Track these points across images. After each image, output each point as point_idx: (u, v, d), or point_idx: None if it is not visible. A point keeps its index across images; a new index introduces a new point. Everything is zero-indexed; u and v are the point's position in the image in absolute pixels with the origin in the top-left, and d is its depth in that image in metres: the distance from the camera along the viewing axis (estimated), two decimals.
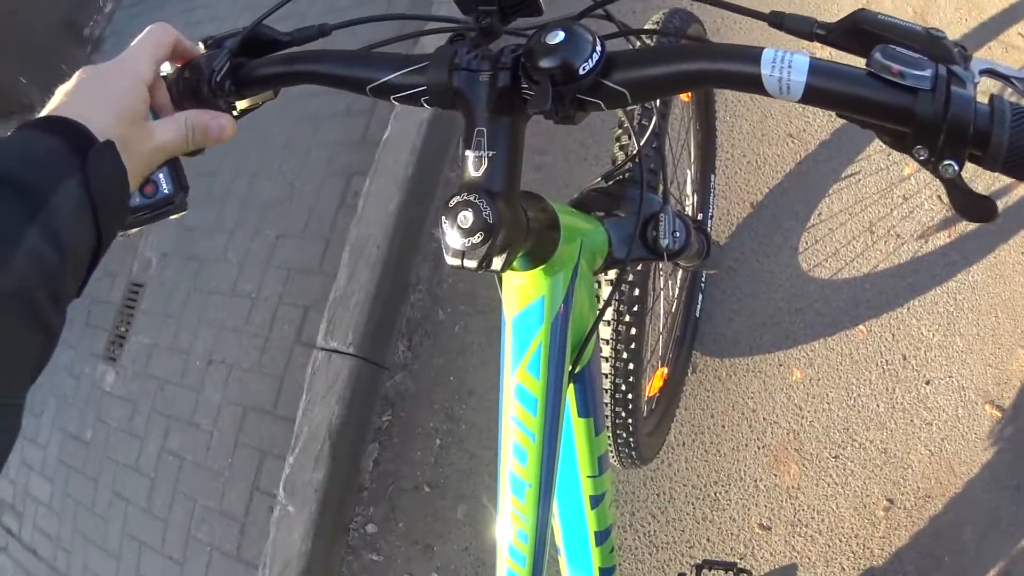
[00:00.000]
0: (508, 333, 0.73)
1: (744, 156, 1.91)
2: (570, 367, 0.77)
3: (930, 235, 1.69)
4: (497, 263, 0.59)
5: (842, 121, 1.84)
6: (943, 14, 1.90)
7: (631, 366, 1.20)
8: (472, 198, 0.55)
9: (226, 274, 2.22)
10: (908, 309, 1.66)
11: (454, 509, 1.81)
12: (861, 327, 1.68)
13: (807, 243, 1.78)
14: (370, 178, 2.09)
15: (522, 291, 0.71)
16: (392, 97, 0.62)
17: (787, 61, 0.47)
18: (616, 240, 0.86)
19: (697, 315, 1.75)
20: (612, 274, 1.08)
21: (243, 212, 2.30)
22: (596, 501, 0.92)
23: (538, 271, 0.69)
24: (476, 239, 0.55)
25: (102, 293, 2.51)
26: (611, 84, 0.55)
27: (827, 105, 0.48)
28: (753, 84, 0.49)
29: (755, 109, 1.96)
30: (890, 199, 1.76)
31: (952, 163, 0.45)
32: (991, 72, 0.47)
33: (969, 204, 0.48)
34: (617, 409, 1.25)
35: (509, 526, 0.75)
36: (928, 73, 0.44)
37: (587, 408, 0.86)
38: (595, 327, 0.79)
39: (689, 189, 1.68)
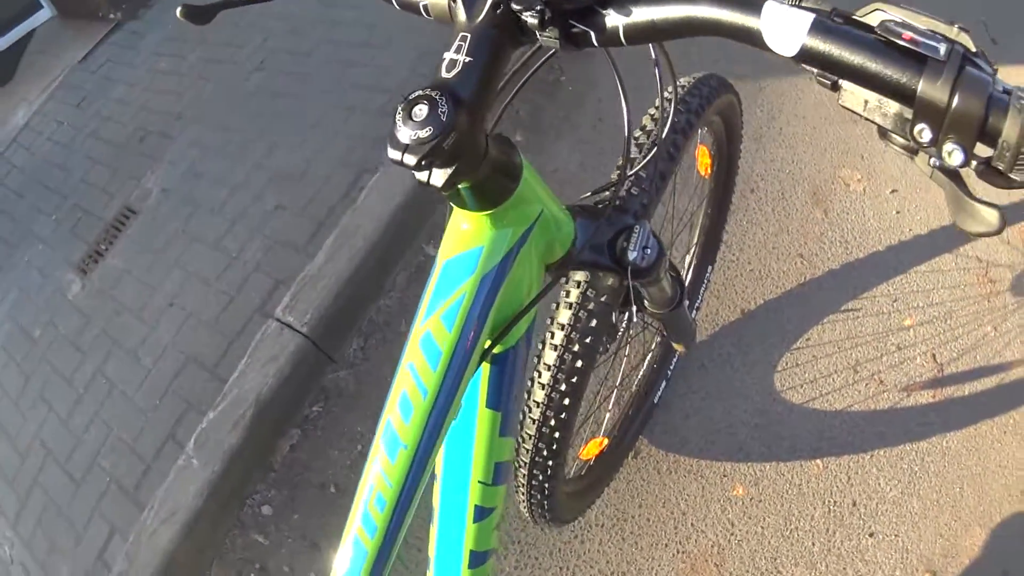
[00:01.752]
0: (435, 276, 0.68)
1: (749, 263, 1.87)
2: (488, 343, 0.71)
3: (915, 390, 1.62)
4: (438, 176, 0.56)
5: (855, 256, 1.82)
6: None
7: (567, 401, 1.10)
8: (434, 94, 0.53)
9: (216, 227, 2.20)
10: (871, 457, 1.57)
11: None
12: (818, 461, 1.59)
13: (787, 364, 1.71)
14: (378, 174, 2.08)
15: (463, 236, 0.67)
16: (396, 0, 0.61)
17: (789, 16, 0.44)
18: (581, 241, 0.80)
19: (655, 401, 1.67)
20: (581, 278, 1.03)
21: (253, 174, 2.29)
22: (481, 513, 0.83)
23: (484, 216, 0.65)
24: (424, 133, 0.52)
25: (96, 208, 2.49)
26: (604, 13, 0.52)
27: (827, 67, 0.44)
28: (751, 36, 0.46)
29: (773, 221, 1.93)
30: (883, 344, 1.70)
31: (957, 148, 0.40)
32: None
33: (970, 209, 0.44)
34: (540, 445, 1.16)
35: (370, 487, 0.65)
36: (943, 46, 0.40)
37: (498, 400, 0.78)
38: (526, 311, 0.73)
39: (683, 271, 1.64)
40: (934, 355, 1.66)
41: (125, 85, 2.94)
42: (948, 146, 0.40)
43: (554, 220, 0.74)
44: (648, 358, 1.65)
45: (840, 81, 0.46)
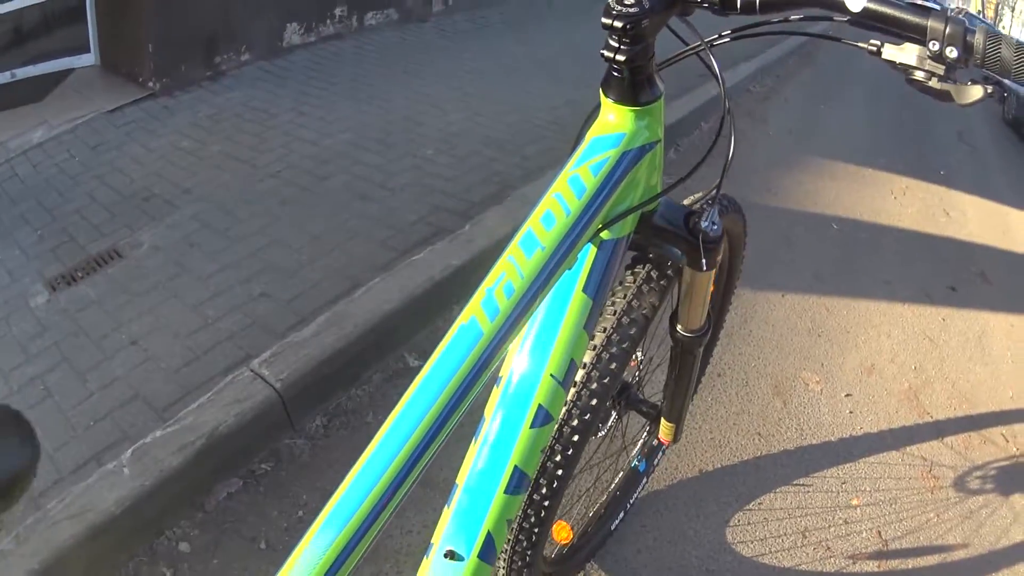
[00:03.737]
0: (582, 147, 0.83)
1: (710, 432, 1.98)
2: (601, 224, 0.82)
3: (860, 559, 1.69)
4: (623, 53, 0.75)
5: (808, 442, 1.96)
6: (936, 397, 2.10)
7: (606, 380, 1.10)
8: None
9: (198, 293, 2.20)
10: None
11: None
12: None
13: (739, 521, 1.77)
14: (381, 276, 2.18)
15: (609, 124, 0.84)
16: None
17: None
18: (661, 212, 0.95)
19: (612, 529, 1.67)
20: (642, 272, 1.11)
21: (246, 260, 2.35)
22: (541, 418, 0.85)
23: (630, 111, 0.82)
24: (632, 9, 0.73)
25: (83, 239, 2.46)
26: None
27: (876, 19, 0.69)
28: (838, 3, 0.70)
29: (736, 402, 2.08)
30: (831, 517, 1.79)
31: (952, 48, 0.66)
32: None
33: (967, 92, 0.69)
34: (555, 451, 1.12)
35: (500, 274, 0.74)
36: (941, 6, 0.68)
37: (594, 288, 0.86)
38: (635, 210, 0.86)
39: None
40: (879, 532, 1.76)
41: (143, 148, 3.05)
42: (949, 49, 0.65)
43: (660, 160, 0.90)
44: (622, 474, 1.69)
45: (882, 47, 0.72)
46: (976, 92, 0.69)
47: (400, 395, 0.69)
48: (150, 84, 3.55)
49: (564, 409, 1.08)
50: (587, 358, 1.09)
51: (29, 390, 1.91)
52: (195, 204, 2.67)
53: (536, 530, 1.18)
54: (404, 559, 1.61)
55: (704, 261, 0.98)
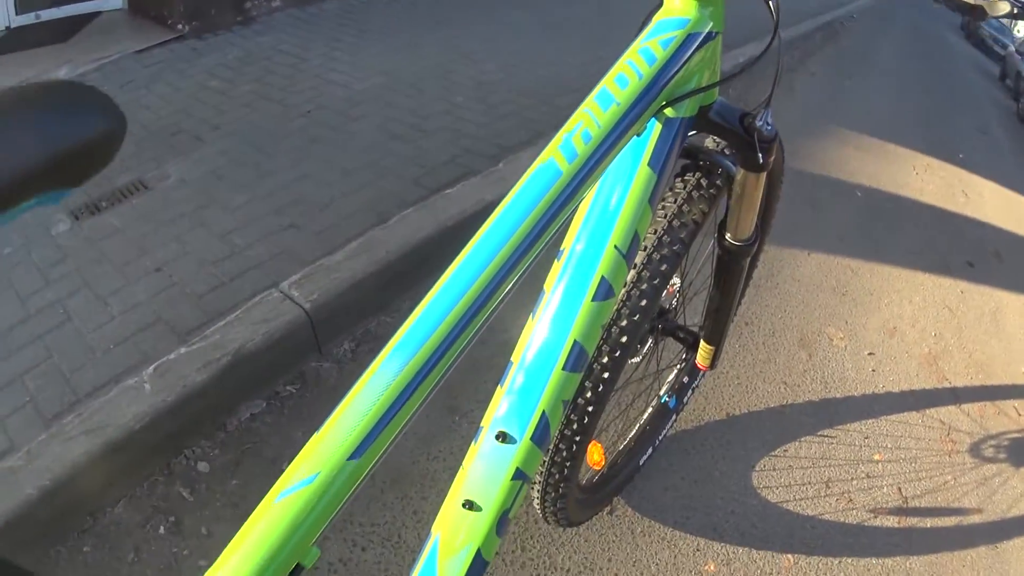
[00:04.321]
0: (650, 25, 0.84)
1: (737, 378, 1.98)
2: (665, 101, 0.82)
3: (881, 514, 1.69)
4: None
5: (832, 395, 1.95)
6: (954, 365, 2.10)
7: (656, 281, 1.10)
8: None
9: (226, 222, 2.18)
10: (839, 563, 1.59)
11: None
12: (789, 556, 1.59)
13: (765, 466, 1.76)
14: (414, 207, 2.17)
15: (675, 7, 0.84)
16: None
17: None
18: (717, 109, 0.94)
19: (640, 464, 1.67)
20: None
21: (276, 191, 2.33)
22: (604, 291, 0.84)
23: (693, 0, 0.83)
24: None
25: (112, 172, 2.44)
26: None
27: None
28: None
29: (763, 351, 2.07)
30: (854, 470, 1.78)
31: None
32: None
33: (997, 6, 0.76)
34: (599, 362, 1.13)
35: (578, 123, 0.75)
36: None
37: (657, 162, 0.87)
38: (696, 92, 0.87)
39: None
40: (900, 488, 1.75)
41: (171, 87, 3.01)
42: None
43: (719, 55, 0.90)
44: (652, 409, 1.68)
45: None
46: (1005, 6, 0.75)
47: None
48: (179, 27, 3.50)
49: (623, 290, 1.08)
50: (639, 259, 1.09)
51: (47, 314, 1.88)
52: (223, 140, 2.64)
53: (577, 439, 1.18)
54: (430, 484, 1.61)
55: (760, 158, 0.98)
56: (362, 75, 3.20)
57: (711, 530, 1.62)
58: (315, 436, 0.63)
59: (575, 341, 0.85)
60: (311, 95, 2.98)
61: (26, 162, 0.38)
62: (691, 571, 1.54)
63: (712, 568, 1.55)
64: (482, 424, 0.87)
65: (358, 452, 0.61)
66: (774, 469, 1.76)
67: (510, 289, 0.69)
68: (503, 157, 2.55)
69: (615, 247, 0.85)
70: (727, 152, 1.11)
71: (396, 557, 1.49)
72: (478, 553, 0.82)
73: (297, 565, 0.60)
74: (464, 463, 0.86)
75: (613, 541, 1.57)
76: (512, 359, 0.88)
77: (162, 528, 1.50)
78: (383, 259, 1.97)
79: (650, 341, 1.43)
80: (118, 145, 0.44)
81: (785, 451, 1.80)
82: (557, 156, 0.72)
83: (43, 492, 1.40)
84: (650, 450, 1.67)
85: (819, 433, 1.86)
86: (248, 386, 1.74)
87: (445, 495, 0.85)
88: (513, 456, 0.84)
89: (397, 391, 0.62)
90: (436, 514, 0.84)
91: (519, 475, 0.83)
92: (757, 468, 1.76)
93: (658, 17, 0.84)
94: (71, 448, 1.47)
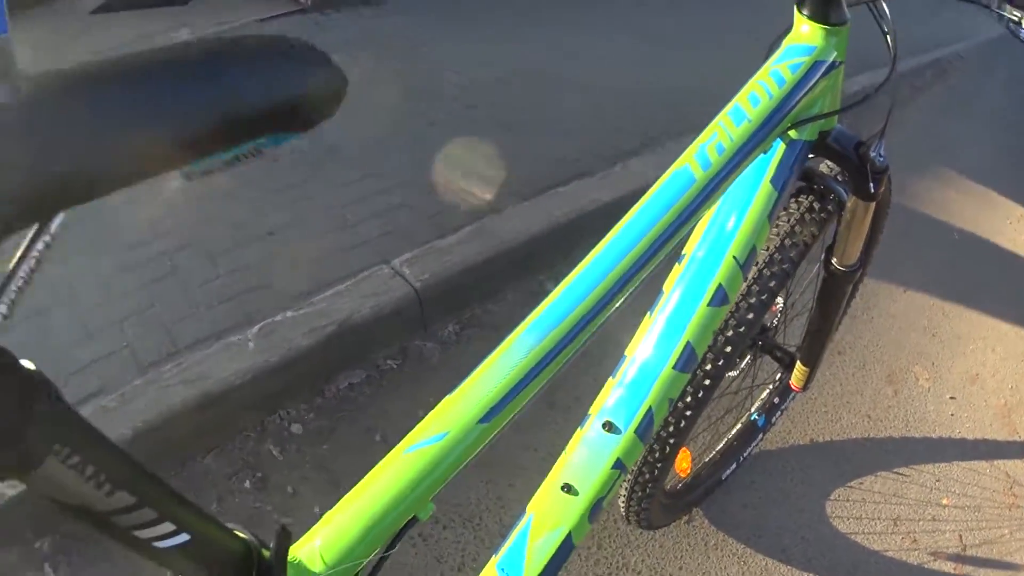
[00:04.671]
0: (779, 51, 0.90)
1: (824, 406, 2.01)
2: (791, 123, 0.88)
3: (940, 558, 1.72)
4: None
5: (912, 434, 1.97)
6: None
7: (764, 297, 1.14)
8: None
9: (337, 196, 2.23)
10: None
11: None
12: None
13: (840, 496, 1.79)
14: (530, 200, 2.24)
15: (802, 36, 0.91)
16: None
17: None
18: (835, 136, 1.00)
19: (723, 478, 1.71)
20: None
21: (388, 173, 2.38)
22: (719, 298, 0.91)
23: (821, 28, 0.89)
24: None
25: None
26: None
27: None
28: None
29: (851, 383, 2.09)
30: (922, 511, 1.81)
31: None
32: None
33: None
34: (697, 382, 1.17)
35: (712, 134, 0.82)
36: None
37: (779, 180, 0.93)
38: (820, 117, 0.92)
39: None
40: (961, 536, 1.77)
41: None
42: None
43: (840, 83, 0.95)
44: (740, 425, 1.73)
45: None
46: None
47: None
48: (302, 0, 3.64)
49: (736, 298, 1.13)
50: (751, 273, 1.14)
51: (155, 264, 1.95)
52: (337, 115, 2.74)
53: (671, 441, 1.23)
54: (518, 473, 1.67)
55: (871, 187, 1.02)
56: (484, 63, 3.26)
57: (780, 552, 1.66)
58: (448, 397, 0.71)
59: (688, 342, 0.91)
60: (431, 78, 3.05)
61: (261, 104, 0.42)
62: None
63: None
64: (589, 412, 0.93)
65: (488, 416, 0.68)
66: (848, 500, 1.79)
67: (640, 283, 0.76)
68: (618, 160, 2.60)
69: (734, 257, 0.92)
70: (840, 178, 1.15)
71: (475, 539, 1.56)
72: (568, 536, 0.89)
73: (414, 517, 0.67)
74: (567, 448, 0.93)
75: (686, 550, 1.62)
76: (626, 353, 0.94)
77: (248, 482, 1.59)
78: (494, 248, 2.04)
79: (748, 356, 1.47)
80: (340, 100, 0.50)
81: (861, 484, 1.83)
82: (692, 163, 0.79)
83: (135, 434, 1.47)
84: (734, 465, 1.71)
85: (895, 470, 1.88)
86: (350, 356, 1.83)
87: (532, 484, 0.91)
88: (616, 446, 0.90)
89: (529, 365, 0.69)
90: (523, 501, 0.90)
91: (618, 465, 0.90)
92: (832, 497, 1.79)
93: (788, 42, 0.91)
94: (167, 395, 1.55)
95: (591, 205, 2.28)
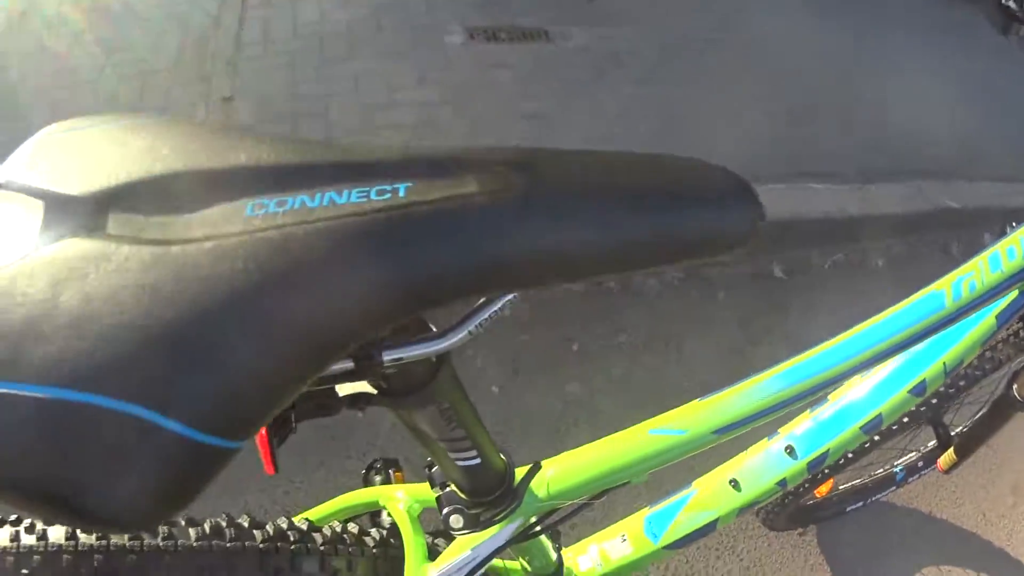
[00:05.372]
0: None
1: (953, 488, 2.11)
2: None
3: None
4: None
5: (1013, 545, 2.06)
6: None
7: (951, 391, 1.31)
8: None
9: (609, 104, 2.28)
10: None
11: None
12: None
13: (928, 573, 1.92)
14: (786, 183, 2.33)
15: None
16: None
17: None
18: None
19: (846, 510, 1.85)
20: None
21: (665, 97, 2.42)
22: (918, 389, 1.01)
23: None
24: None
25: (516, 9, 2.58)
26: None
27: None
28: None
29: (982, 474, 2.18)
30: None
31: None
32: None
33: None
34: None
35: (970, 273, 0.88)
36: None
37: (1002, 320, 1.01)
38: None
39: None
40: None
41: None
42: None
43: None
44: (883, 471, 1.86)
45: None
46: None
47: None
48: None
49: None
50: None
51: (416, 111, 2.05)
52: (635, 26, 2.72)
53: (827, 472, 1.39)
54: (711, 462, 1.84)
55: None
56: None
57: None
58: (697, 402, 0.87)
59: (880, 414, 1.03)
60: None
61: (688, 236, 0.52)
62: None
63: None
64: (780, 431, 1.07)
65: (722, 430, 0.84)
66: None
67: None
68: None
69: (944, 363, 1.02)
70: None
71: (647, 491, 1.75)
72: (715, 520, 1.04)
73: (628, 480, 0.85)
74: (749, 450, 1.07)
75: (788, 559, 1.79)
76: (829, 397, 1.07)
77: None
78: None
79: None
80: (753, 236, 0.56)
81: (950, 571, 1.95)
82: (947, 291, 0.88)
83: None
84: (861, 503, 1.86)
85: (982, 572, 1.99)
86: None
87: (715, 471, 1.07)
88: (788, 468, 1.04)
89: (770, 403, 0.84)
90: (698, 477, 1.07)
91: (782, 483, 1.04)
92: (923, 571, 1.92)
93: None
94: None
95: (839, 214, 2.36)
